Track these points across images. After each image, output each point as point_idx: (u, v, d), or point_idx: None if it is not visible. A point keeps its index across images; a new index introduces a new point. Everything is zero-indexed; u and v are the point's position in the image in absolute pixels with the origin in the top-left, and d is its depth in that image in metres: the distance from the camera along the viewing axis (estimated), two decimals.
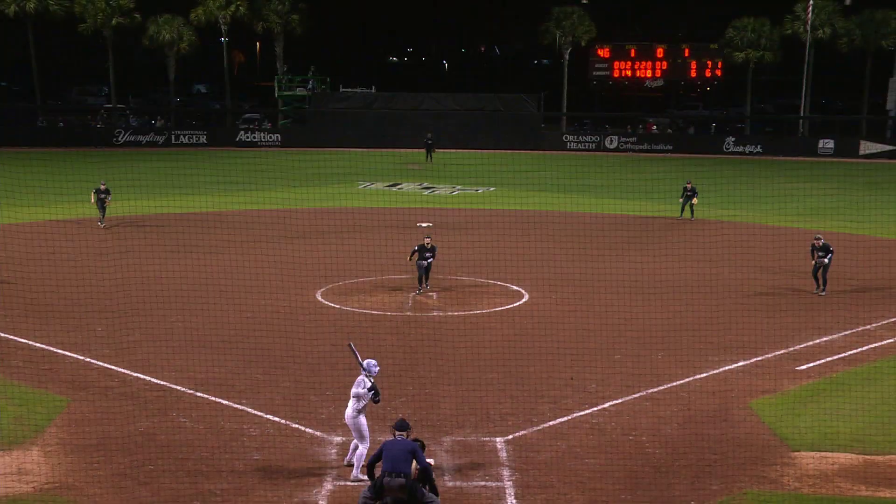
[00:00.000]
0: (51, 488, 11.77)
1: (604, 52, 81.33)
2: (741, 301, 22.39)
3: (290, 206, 34.01)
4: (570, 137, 71.87)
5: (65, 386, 15.43)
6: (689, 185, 35.48)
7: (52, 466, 12.35)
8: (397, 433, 11.18)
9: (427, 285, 22.73)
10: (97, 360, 16.76)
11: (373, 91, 76.44)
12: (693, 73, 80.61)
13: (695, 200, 35.25)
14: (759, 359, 17.78)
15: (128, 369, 16.27)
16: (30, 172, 34.92)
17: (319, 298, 22.00)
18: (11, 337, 17.95)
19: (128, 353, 17.13)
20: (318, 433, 13.84)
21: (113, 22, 72.69)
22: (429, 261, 22.59)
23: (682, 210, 35.55)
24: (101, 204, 32.55)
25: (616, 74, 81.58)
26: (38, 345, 17.54)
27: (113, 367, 16.39)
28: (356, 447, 12.46)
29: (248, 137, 71.00)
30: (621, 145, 70.46)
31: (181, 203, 34.89)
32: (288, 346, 17.67)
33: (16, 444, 12.93)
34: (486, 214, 35.45)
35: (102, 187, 32.81)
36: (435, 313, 20.87)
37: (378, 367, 12.69)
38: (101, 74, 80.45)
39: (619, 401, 15.44)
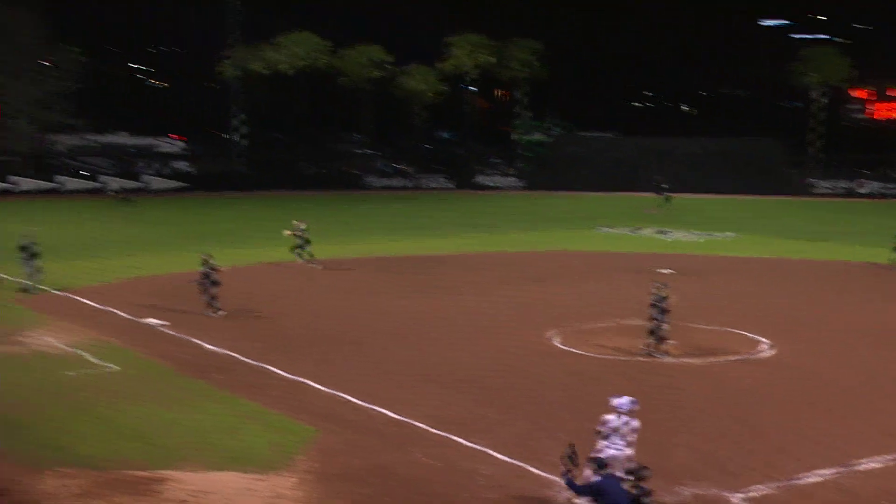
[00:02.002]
0: None
1: (861, 93, 76.47)
2: None
3: (528, 249, 34.27)
4: (818, 182, 67.87)
5: (316, 417, 16.17)
6: None
7: (302, 493, 12.96)
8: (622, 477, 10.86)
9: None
10: (344, 393, 17.48)
11: (612, 135, 75.97)
12: None
13: None
14: None
15: (371, 403, 16.85)
16: (286, 215, 37.42)
17: (553, 341, 21.93)
18: (271, 368, 19.13)
19: (371, 387, 17.79)
20: (550, 476, 13.69)
21: (369, 74, 77.37)
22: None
23: None
24: (301, 243, 32.97)
25: (873, 115, 76.33)
26: (293, 377, 18.56)
27: (358, 400, 17.03)
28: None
29: (489, 181, 72.56)
30: (877, 190, 65.65)
31: (423, 244, 36.10)
32: (520, 388, 17.69)
33: (272, 469, 13.69)
34: (726, 261, 34.06)
35: (297, 225, 33.36)
36: (671, 360, 20.21)
37: (629, 404, 12.54)
38: (354, 123, 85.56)
39: (874, 462, 14.18)
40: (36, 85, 65.51)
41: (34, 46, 65.17)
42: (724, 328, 23.15)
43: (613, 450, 12.36)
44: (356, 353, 20.38)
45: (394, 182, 72.95)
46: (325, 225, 37.28)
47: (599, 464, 10.93)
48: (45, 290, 27.02)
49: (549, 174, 70.17)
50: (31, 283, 26.86)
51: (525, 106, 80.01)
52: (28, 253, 27.61)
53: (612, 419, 12.59)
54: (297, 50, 79.92)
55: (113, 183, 59.40)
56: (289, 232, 32.82)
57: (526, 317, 23.03)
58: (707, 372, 19.23)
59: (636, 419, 12.70)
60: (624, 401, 12.74)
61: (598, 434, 12.59)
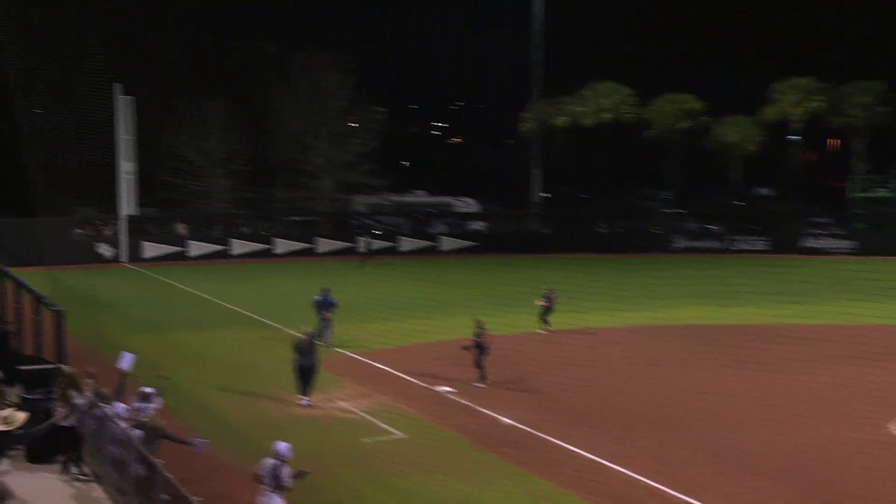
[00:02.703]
0: None
1: None
2: None
3: (862, 322, 32.20)
4: None
5: (611, 500, 16.13)
6: None
7: None
8: None
9: None
10: (643, 476, 17.29)
11: None
12: None
13: None
14: None
15: (673, 489, 16.54)
16: (588, 278, 37.77)
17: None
18: (563, 444, 19.33)
19: (674, 471, 17.46)
20: None
21: (680, 125, 76.81)
22: None
23: None
24: (546, 311, 33.08)
25: None
26: (589, 455, 18.61)
27: (658, 485, 16.78)
28: None
29: (814, 243, 69.06)
30: None
31: (736, 313, 34.98)
32: (853, 484, 16.60)
33: None
34: None
35: (546, 292, 33.45)
36: None
37: None
38: (659, 178, 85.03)
39: None
40: (341, 146, 71.77)
41: (343, 108, 71.53)
42: None
43: None
44: (659, 433, 20.10)
45: (703, 244, 71.36)
46: (624, 289, 37.23)
47: None
48: (337, 351, 29.09)
49: (891, 236, 65.68)
50: (325, 342, 29.02)
51: (863, 157, 75.61)
52: (324, 310, 30.07)
53: None
54: (601, 102, 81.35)
55: (367, 243, 63.07)
56: (540, 301, 33.36)
57: (862, 401, 21.60)
58: None
59: None
60: None
61: None
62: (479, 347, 24.85)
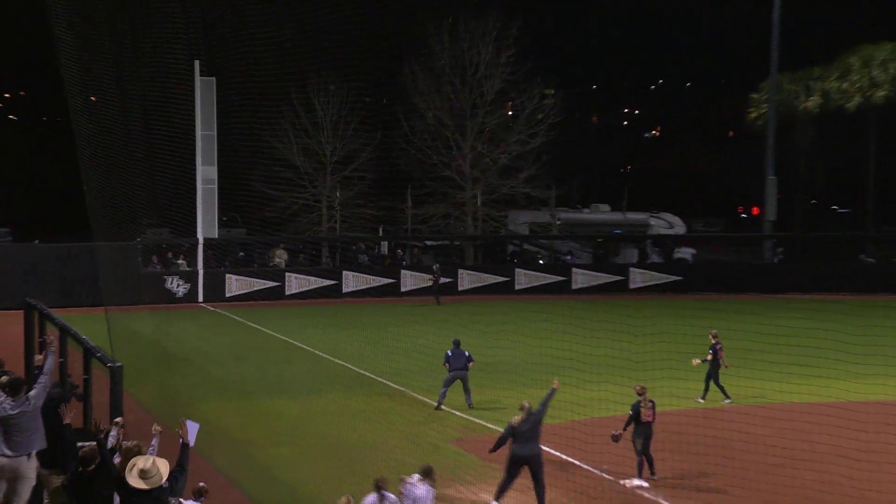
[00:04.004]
0: None
1: None
2: None
3: None
4: None
5: None
6: None
7: None
8: None
9: None
10: None
11: None
12: None
13: None
14: None
15: None
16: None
17: None
18: None
19: None
20: None
21: None
22: None
23: None
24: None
25: None
26: None
27: None
28: None
29: None
30: None
31: None
32: None
33: None
34: None
35: (714, 341, 33.62)
36: None
37: None
38: None
39: None
40: (495, 144, 72.79)
41: (498, 93, 72.97)
42: None
43: None
44: None
45: None
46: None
47: None
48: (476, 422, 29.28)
49: None
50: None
51: None
52: (457, 367, 31.18)
53: None
54: (875, 74, 78.87)
55: (436, 272, 62.74)
56: (698, 360, 33.45)
57: None
58: None
59: None
60: None
61: None
62: (641, 424, 24.62)
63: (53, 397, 19.01)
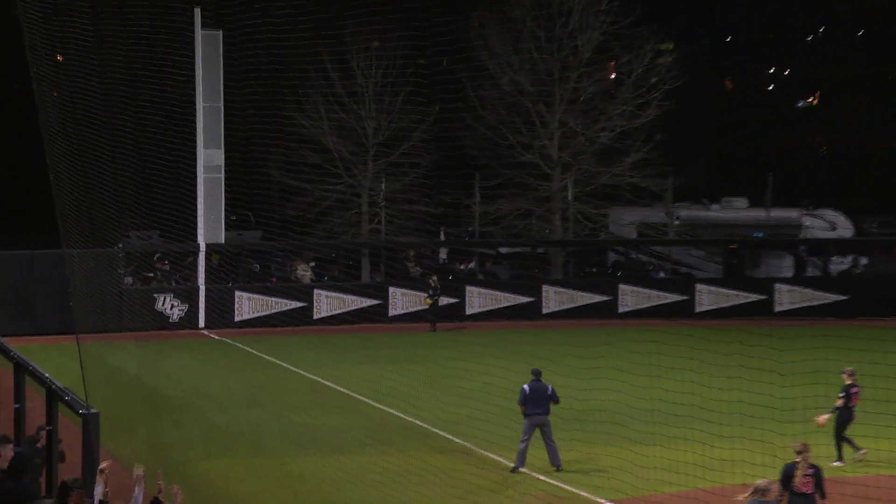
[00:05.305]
0: None
1: None
2: None
3: None
4: None
5: None
6: None
7: None
8: None
9: None
10: None
11: None
12: None
13: None
14: None
15: None
16: None
17: None
18: None
19: None
20: None
21: None
22: None
23: None
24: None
25: None
26: None
27: None
28: None
29: None
30: None
31: None
32: None
33: None
34: None
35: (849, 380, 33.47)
36: None
37: None
38: None
39: None
40: (591, 117, 72.81)
41: (595, 48, 73.07)
42: None
43: None
44: None
45: None
46: None
47: None
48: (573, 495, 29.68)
49: None
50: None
51: None
52: (536, 409, 31.41)
53: None
54: None
55: (433, 289, 62.68)
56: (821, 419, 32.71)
57: None
58: None
59: None
60: None
61: None
62: (795, 496, 23.58)
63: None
